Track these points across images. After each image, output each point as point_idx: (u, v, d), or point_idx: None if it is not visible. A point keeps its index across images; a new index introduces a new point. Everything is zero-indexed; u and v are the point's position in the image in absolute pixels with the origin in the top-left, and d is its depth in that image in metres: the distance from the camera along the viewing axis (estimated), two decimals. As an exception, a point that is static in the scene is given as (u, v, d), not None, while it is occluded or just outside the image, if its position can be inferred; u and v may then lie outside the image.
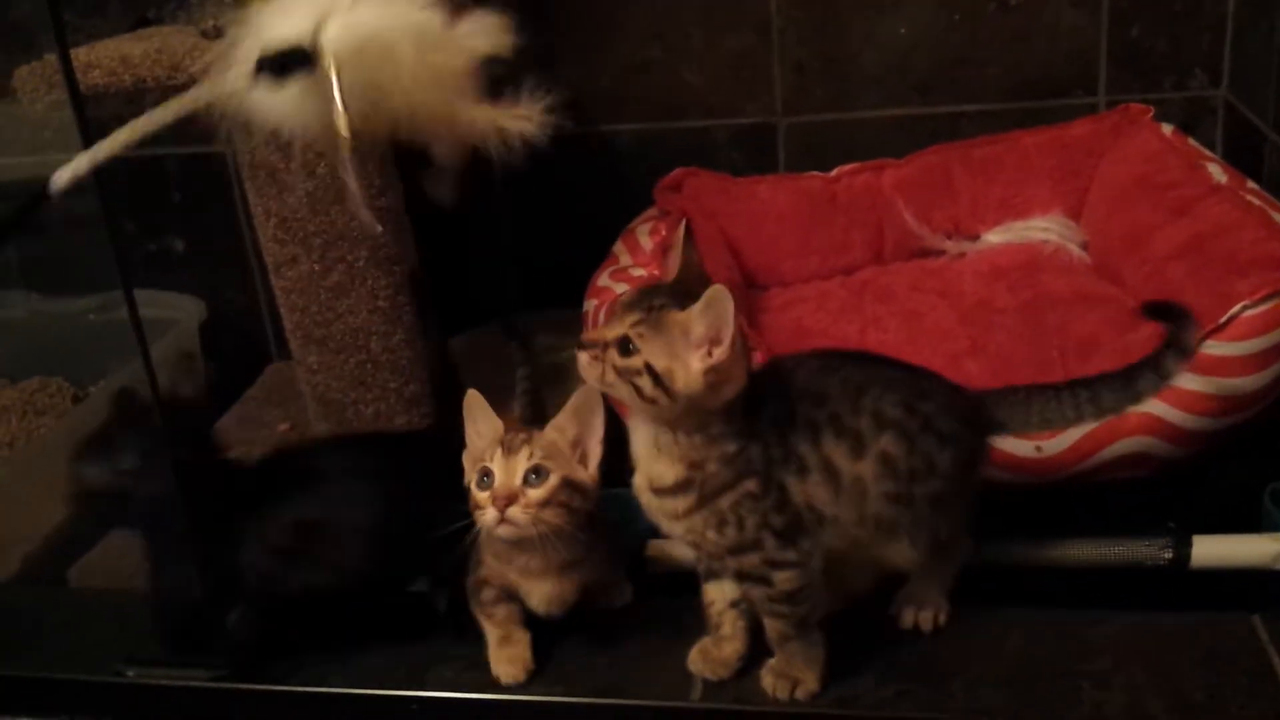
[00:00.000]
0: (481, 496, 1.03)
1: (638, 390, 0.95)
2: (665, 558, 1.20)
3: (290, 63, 0.85)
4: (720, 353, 0.94)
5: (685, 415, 0.97)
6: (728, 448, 0.98)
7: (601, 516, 1.10)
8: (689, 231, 1.06)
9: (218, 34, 1.26)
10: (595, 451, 1.07)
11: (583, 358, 0.97)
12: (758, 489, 0.98)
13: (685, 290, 0.98)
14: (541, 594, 1.08)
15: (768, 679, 1.04)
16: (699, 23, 1.75)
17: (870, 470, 0.99)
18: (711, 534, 0.99)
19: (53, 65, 1.29)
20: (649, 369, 0.94)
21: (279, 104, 0.85)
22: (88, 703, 1.09)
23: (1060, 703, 1.00)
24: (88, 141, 0.97)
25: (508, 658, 1.07)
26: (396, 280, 1.44)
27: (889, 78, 1.72)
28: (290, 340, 1.48)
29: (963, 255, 1.60)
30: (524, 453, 1.03)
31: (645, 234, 1.58)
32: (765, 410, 0.99)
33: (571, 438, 1.06)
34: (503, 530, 1.02)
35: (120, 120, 1.90)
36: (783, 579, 1.00)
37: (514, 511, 1.01)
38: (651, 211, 1.66)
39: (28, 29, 1.83)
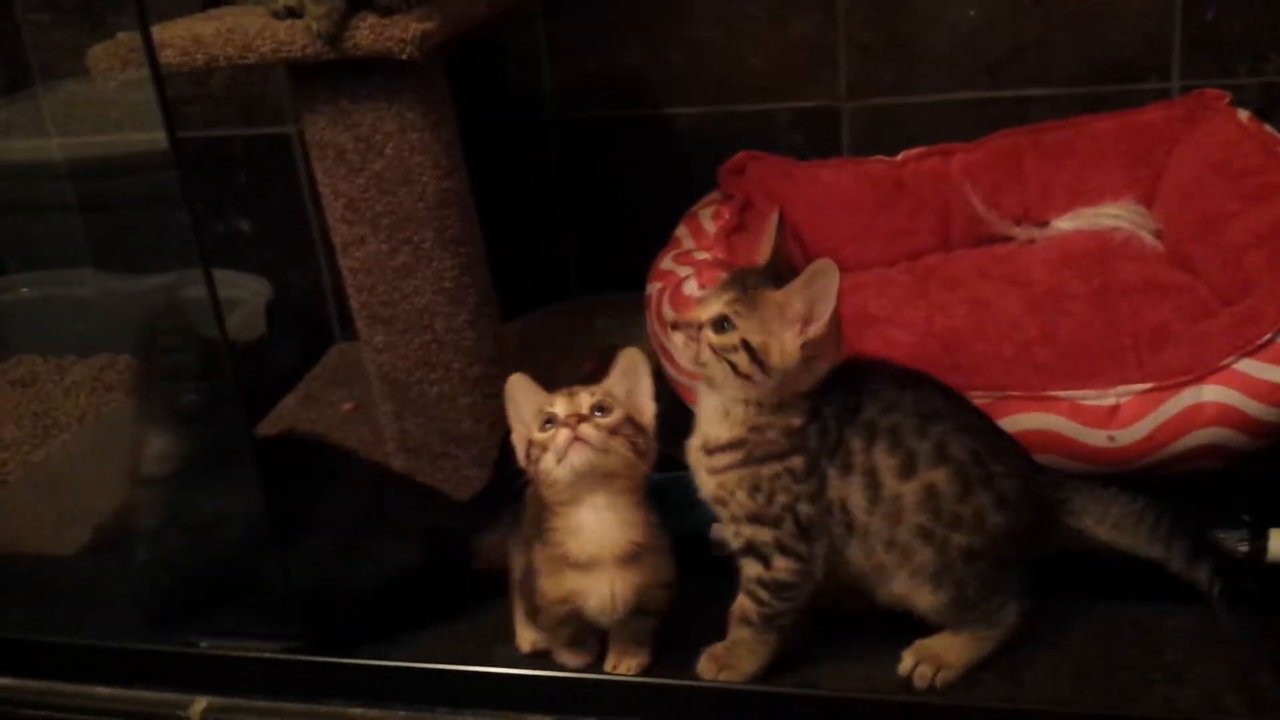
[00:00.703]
0: (545, 436, 1.01)
1: (733, 366, 0.97)
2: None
3: None
4: (816, 328, 0.95)
5: (773, 391, 0.98)
6: (794, 420, 0.99)
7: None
8: (782, 220, 1.07)
9: (290, 15, 1.27)
10: (647, 406, 1.05)
11: (677, 338, 0.99)
12: (801, 469, 0.99)
13: (776, 274, 0.99)
14: (600, 593, 1.03)
15: (704, 662, 1.04)
16: (763, 4, 1.73)
17: (912, 495, 0.98)
18: (741, 494, 1.00)
19: (126, 44, 1.30)
20: (745, 345, 0.96)
21: None
22: (163, 672, 1.10)
23: (1131, 696, 0.99)
24: (168, 120, 0.98)
25: (573, 654, 1.08)
26: (462, 262, 1.45)
27: (956, 60, 1.70)
28: (356, 319, 1.49)
29: (1032, 242, 1.58)
30: (586, 392, 1.03)
31: (708, 217, 1.58)
32: (833, 397, 0.99)
33: (622, 395, 1.05)
34: (575, 454, 0.99)
35: (187, 101, 1.94)
36: (781, 566, 1.00)
37: (586, 428, 0.99)
38: (714, 194, 1.65)
39: (98, 7, 1.87)
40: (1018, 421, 1.18)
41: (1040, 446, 1.16)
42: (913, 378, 1.04)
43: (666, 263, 1.50)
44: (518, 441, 1.06)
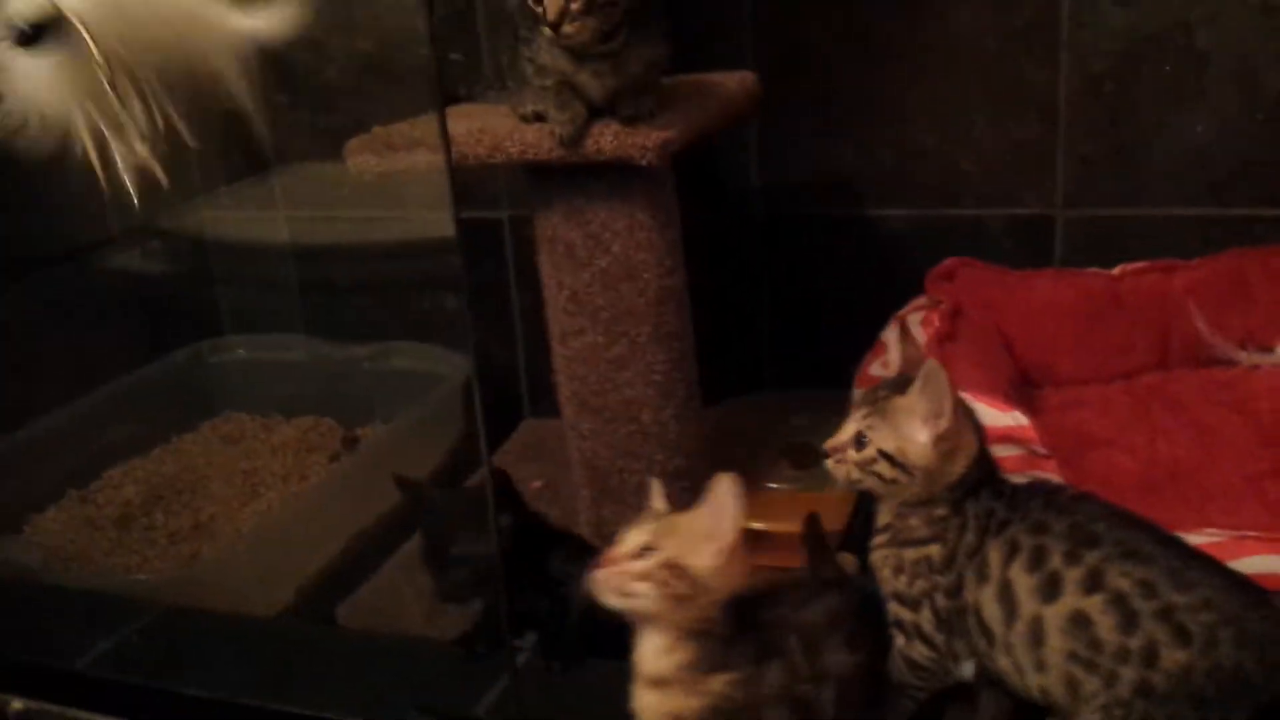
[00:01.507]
0: None
1: (879, 477, 1.03)
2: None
3: (40, 31, 0.87)
4: (943, 423, 1.00)
5: (924, 488, 1.02)
6: (936, 510, 1.03)
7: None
8: (906, 329, 1.20)
9: (537, 119, 1.32)
10: (723, 541, 0.99)
11: (828, 464, 1.05)
12: (939, 560, 1.02)
13: (906, 381, 1.04)
14: (636, 702, 1.02)
15: None
16: (982, 109, 1.72)
17: (1056, 620, 0.95)
18: (887, 573, 1.05)
19: (381, 138, 1.38)
20: (882, 454, 1.02)
21: (35, 75, 0.87)
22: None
23: None
24: (456, 208, 1.04)
25: None
26: (674, 356, 1.47)
27: (1181, 175, 1.66)
28: (565, 406, 1.53)
29: (1257, 368, 1.52)
30: (644, 528, 1.01)
31: (916, 323, 1.57)
32: (981, 503, 1.02)
33: (705, 528, 1.00)
34: (600, 593, 0.99)
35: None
36: (917, 649, 1.04)
37: (605, 572, 0.99)
38: (922, 300, 1.64)
39: (332, 95, 1.98)
40: (1253, 564, 1.12)
41: (1275, 589, 1.11)
42: (1083, 504, 1.01)
43: (875, 368, 1.50)
44: None
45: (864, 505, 1.48)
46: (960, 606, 1.01)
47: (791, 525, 1.62)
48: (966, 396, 1.27)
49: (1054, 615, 0.96)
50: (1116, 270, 1.62)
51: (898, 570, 1.05)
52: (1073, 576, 0.95)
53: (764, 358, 1.94)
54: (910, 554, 1.04)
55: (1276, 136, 1.61)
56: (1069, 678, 0.96)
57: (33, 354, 1.98)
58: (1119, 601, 0.94)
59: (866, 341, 1.61)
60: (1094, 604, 0.94)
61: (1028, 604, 0.97)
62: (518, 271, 1.97)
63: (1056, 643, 0.96)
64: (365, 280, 1.96)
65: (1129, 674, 0.94)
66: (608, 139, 1.28)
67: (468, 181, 1.93)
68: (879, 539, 1.07)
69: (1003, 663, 1.00)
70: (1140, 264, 1.61)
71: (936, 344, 1.49)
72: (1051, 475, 1.18)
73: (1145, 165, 1.67)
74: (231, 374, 2.17)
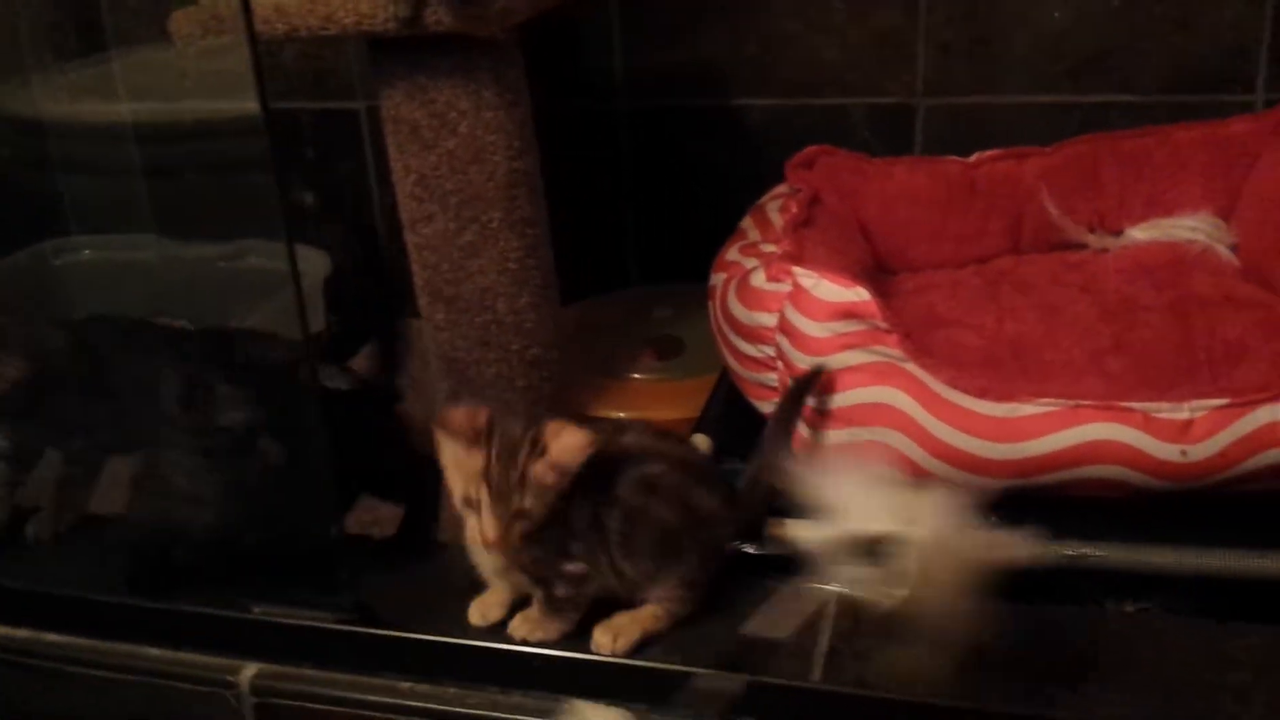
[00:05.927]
0: None
1: None
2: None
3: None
4: None
5: None
6: None
7: None
8: None
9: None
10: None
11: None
12: None
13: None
14: None
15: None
16: (844, -3, 1.72)
17: None
18: None
19: (209, 10, 1.31)
20: None
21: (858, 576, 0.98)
22: (214, 635, 1.10)
23: (1196, 713, 0.96)
24: (261, 86, 0.98)
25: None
26: (528, 243, 1.44)
27: (1039, 62, 1.67)
28: (419, 296, 1.49)
29: (1105, 250, 1.55)
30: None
31: (775, 210, 1.56)
32: None
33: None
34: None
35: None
36: None
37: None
38: (782, 188, 1.63)
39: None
40: (1087, 432, 1.15)
41: (1110, 458, 1.14)
42: None
43: (732, 254, 1.49)
44: None
45: (720, 391, 1.49)
46: None
47: (655, 414, 1.64)
48: (810, 275, 1.28)
49: None
50: (972, 157, 1.63)
51: None
52: None
53: (630, 253, 1.93)
54: None
55: (1131, 23, 1.64)
56: None
57: None
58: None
59: (729, 232, 1.61)
60: None
61: None
62: (377, 165, 1.91)
63: None
64: (216, 171, 1.88)
65: None
66: (446, 10, 1.23)
67: (320, 69, 1.86)
68: None
69: None
70: (994, 151, 1.62)
71: (792, 230, 1.48)
72: (893, 349, 1.19)
73: (1004, 53, 1.68)
74: (79, 276, 2.08)
